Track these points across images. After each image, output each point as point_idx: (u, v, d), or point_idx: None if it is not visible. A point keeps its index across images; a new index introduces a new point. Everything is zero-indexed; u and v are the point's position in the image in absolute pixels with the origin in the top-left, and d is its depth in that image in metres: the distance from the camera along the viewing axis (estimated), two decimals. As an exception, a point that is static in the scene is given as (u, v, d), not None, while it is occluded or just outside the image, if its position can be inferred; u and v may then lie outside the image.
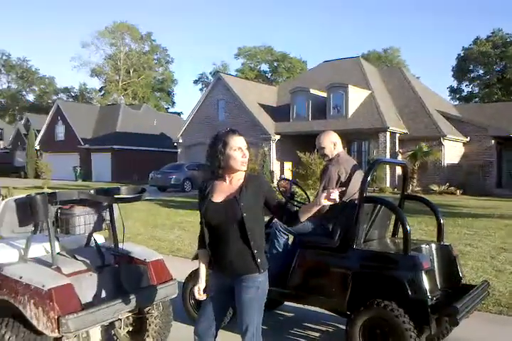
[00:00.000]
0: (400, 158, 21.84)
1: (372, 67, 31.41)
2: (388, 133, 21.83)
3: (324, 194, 2.31)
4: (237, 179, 2.58)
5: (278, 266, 3.87)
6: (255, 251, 2.48)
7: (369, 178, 3.64)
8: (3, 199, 3.45)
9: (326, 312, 4.01)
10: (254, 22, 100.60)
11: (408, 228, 3.41)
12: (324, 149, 3.99)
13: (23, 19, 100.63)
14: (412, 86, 25.40)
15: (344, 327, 3.58)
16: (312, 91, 24.63)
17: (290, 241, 4.14)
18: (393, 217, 3.97)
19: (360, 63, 27.70)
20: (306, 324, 4.39)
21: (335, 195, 2.29)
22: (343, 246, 3.65)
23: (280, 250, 4.03)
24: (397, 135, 22.23)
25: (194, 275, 4.23)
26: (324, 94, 24.34)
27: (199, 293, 2.63)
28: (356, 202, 3.63)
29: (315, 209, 2.41)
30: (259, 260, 2.49)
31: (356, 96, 23.56)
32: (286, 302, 4.45)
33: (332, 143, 3.97)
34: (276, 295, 3.87)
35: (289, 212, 2.54)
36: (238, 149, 2.51)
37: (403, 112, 23.63)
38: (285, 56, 60.70)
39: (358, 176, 3.79)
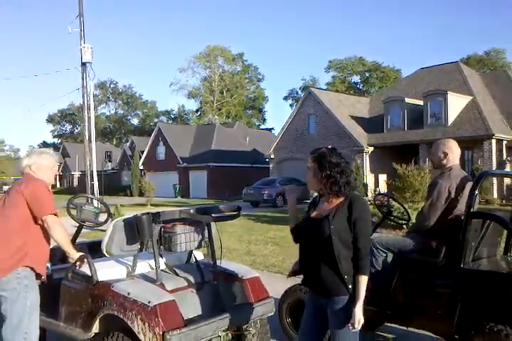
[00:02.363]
0: (508, 167, 20.10)
1: (473, 71, 29.55)
2: (494, 141, 20.25)
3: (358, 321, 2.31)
4: (337, 198, 2.50)
5: (377, 285, 3.71)
6: (345, 276, 2.40)
7: (476, 192, 3.38)
8: (112, 219, 3.73)
9: (431, 334, 3.75)
10: (344, 34, 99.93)
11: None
12: (434, 156, 3.74)
13: (128, 49, 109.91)
14: (519, 89, 23.42)
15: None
16: (407, 100, 23.73)
17: (389, 259, 3.95)
18: (505, 233, 3.64)
19: (459, 68, 26.17)
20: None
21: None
22: (450, 265, 3.41)
23: (379, 268, 3.85)
24: (504, 142, 20.53)
25: (291, 293, 4.20)
26: (421, 103, 23.31)
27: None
28: (463, 217, 3.38)
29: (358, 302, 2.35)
30: (350, 285, 2.40)
31: (456, 103, 22.24)
32: (386, 323, 4.23)
33: (442, 153, 3.67)
34: (376, 316, 3.70)
35: (354, 264, 2.40)
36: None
37: (510, 117, 21.81)
38: (377, 66, 59.24)
39: (468, 190, 3.52)
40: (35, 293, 3.01)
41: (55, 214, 3.04)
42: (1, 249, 2.94)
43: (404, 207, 4.83)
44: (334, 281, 2.41)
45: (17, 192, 3.03)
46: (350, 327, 2.33)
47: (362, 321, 2.33)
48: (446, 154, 3.66)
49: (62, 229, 3.04)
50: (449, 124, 21.90)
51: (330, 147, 2.56)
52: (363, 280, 2.36)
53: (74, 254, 3.14)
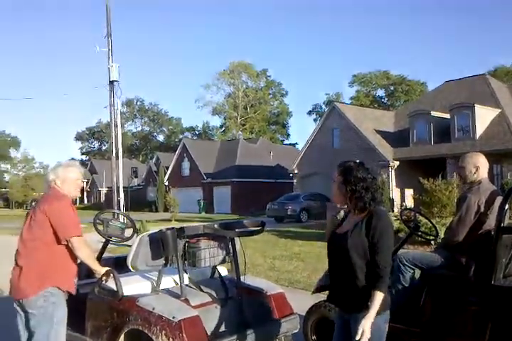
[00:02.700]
0: (540, 180, 19.49)
1: (501, 83, 29.03)
2: (524, 154, 19.74)
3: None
4: (362, 213, 2.46)
5: (404, 302, 3.63)
6: (364, 292, 2.34)
7: (506, 207, 3.29)
8: (138, 234, 3.77)
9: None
10: (368, 48, 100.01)
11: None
12: (463, 170, 3.62)
13: (155, 68, 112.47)
14: (549, 101, 22.90)
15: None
16: (433, 113, 23.44)
17: (417, 276, 3.87)
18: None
19: (486, 80, 25.78)
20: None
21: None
22: (480, 281, 3.31)
23: (406, 285, 3.77)
24: (536, 155, 19.99)
25: (315, 309, 4.14)
26: (447, 116, 22.99)
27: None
28: (493, 232, 3.29)
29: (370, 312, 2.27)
30: (369, 303, 2.32)
31: (484, 116, 21.85)
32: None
33: (474, 167, 3.58)
34: (403, 334, 3.60)
35: (372, 283, 2.32)
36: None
37: (541, 130, 21.27)
38: (403, 79, 58.85)
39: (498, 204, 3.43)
40: (62, 309, 3.05)
41: (79, 235, 3.06)
42: (28, 269, 2.99)
43: (432, 223, 4.73)
44: (355, 297, 2.38)
45: (41, 212, 3.04)
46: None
47: (367, 336, 2.25)
48: (477, 168, 3.58)
49: (87, 250, 3.08)
50: (477, 138, 21.50)
51: (357, 161, 2.53)
52: (378, 297, 2.29)
53: (100, 270, 3.17)
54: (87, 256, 3.09)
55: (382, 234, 2.35)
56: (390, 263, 2.40)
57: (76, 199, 61.39)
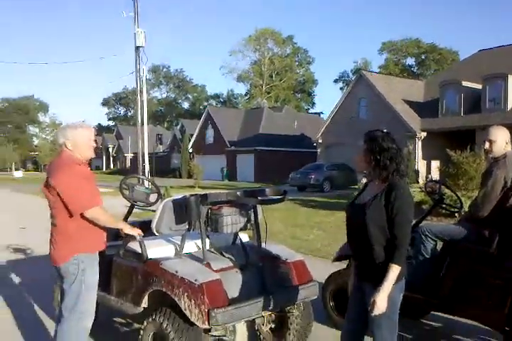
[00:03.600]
0: None
1: (538, 52, 27.66)
2: (558, 127, 19.03)
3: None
4: (378, 186, 2.45)
5: (425, 273, 3.64)
6: (380, 264, 2.36)
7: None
8: (162, 199, 3.84)
9: (480, 325, 3.64)
10: (399, 14, 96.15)
11: None
12: (494, 143, 3.49)
13: (180, 34, 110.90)
14: None
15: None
16: (464, 83, 22.64)
17: (438, 247, 3.85)
18: None
19: (522, 49, 24.63)
20: (455, 336, 4.05)
21: None
22: (502, 255, 3.28)
23: (427, 256, 3.77)
24: None
25: (334, 277, 4.20)
26: (479, 86, 22.19)
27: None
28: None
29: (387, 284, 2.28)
30: (386, 275, 2.31)
31: (517, 87, 21.00)
32: (433, 312, 4.16)
33: (504, 141, 3.49)
34: (423, 304, 3.64)
35: (390, 256, 2.30)
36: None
37: None
38: (434, 47, 56.62)
39: None
40: (92, 275, 3.10)
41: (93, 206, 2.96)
42: (56, 236, 3.06)
43: (456, 195, 4.66)
44: (371, 268, 2.40)
45: (50, 183, 2.98)
46: (373, 313, 2.30)
47: (382, 309, 2.27)
48: (507, 142, 3.49)
49: (105, 216, 3.03)
50: (509, 109, 20.77)
51: (384, 131, 2.49)
52: (394, 270, 2.28)
53: (124, 226, 3.19)
54: (107, 221, 3.07)
55: (401, 206, 2.32)
56: (409, 235, 2.36)
57: (102, 164, 62.73)
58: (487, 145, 3.54)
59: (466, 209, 4.01)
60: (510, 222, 3.28)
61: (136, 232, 3.20)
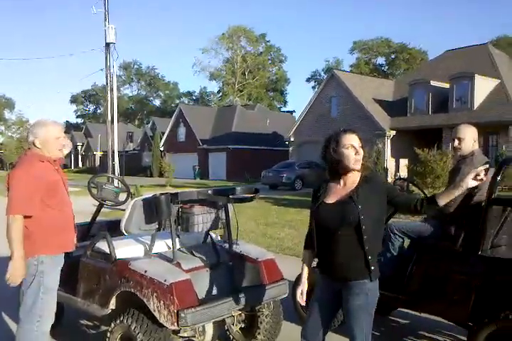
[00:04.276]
0: (535, 153, 19.57)
1: (503, 53, 28.56)
2: (521, 126, 19.69)
3: (472, 174, 2.23)
4: (352, 180, 2.47)
5: (393, 270, 3.70)
6: (369, 257, 2.37)
7: (498, 178, 3.30)
8: (132, 198, 3.78)
9: (444, 321, 3.74)
10: (370, 14, 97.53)
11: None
12: (463, 141, 3.57)
13: (153, 31, 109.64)
14: (550, 72, 22.64)
15: (464, 339, 3.30)
16: (433, 82, 23.16)
17: (406, 245, 3.93)
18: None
19: (488, 50, 25.34)
20: (421, 332, 4.13)
21: (483, 174, 2.21)
22: (467, 251, 3.37)
23: (395, 253, 3.84)
24: (532, 128, 19.95)
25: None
26: (447, 86, 22.74)
27: (301, 296, 2.60)
28: (483, 204, 3.32)
29: (458, 193, 2.32)
30: (372, 267, 2.38)
31: (483, 86, 21.61)
32: (400, 309, 4.24)
33: (472, 139, 3.57)
34: (390, 301, 3.70)
35: (422, 199, 2.40)
36: (350, 147, 2.41)
37: (540, 102, 21.14)
38: (404, 47, 57.70)
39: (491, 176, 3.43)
40: (51, 278, 3.00)
41: (26, 216, 2.80)
42: None
43: (424, 192, 4.75)
44: (357, 265, 2.38)
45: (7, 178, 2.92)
46: None
47: None
48: (475, 140, 3.58)
49: (13, 234, 2.78)
50: (475, 108, 21.37)
51: (341, 129, 2.52)
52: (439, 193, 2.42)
53: (16, 262, 2.81)
54: (13, 238, 2.79)
55: (387, 184, 2.55)
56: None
57: (70, 163, 61.39)
58: (456, 142, 3.61)
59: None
60: (474, 218, 3.36)
61: (19, 275, 2.85)
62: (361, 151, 2.44)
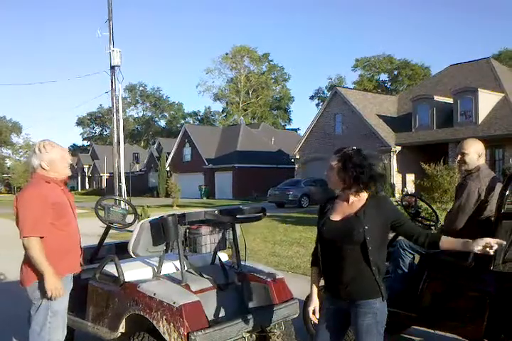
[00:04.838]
0: (543, 165, 19.46)
1: (506, 67, 28.75)
2: (527, 139, 19.64)
3: (484, 241, 2.21)
4: (359, 199, 2.46)
5: (404, 288, 3.65)
6: (377, 277, 2.36)
7: (507, 192, 3.28)
8: (139, 220, 3.78)
9: (459, 338, 3.66)
10: (372, 33, 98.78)
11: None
12: (466, 156, 3.54)
13: (157, 52, 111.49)
14: (554, 84, 22.70)
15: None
16: (436, 98, 23.27)
17: (416, 261, 3.88)
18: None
19: (491, 64, 25.51)
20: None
21: (494, 248, 2.19)
22: (479, 267, 3.32)
23: (406, 270, 3.79)
24: (538, 140, 19.91)
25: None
26: (450, 101, 22.82)
27: (313, 314, 2.58)
28: (493, 218, 3.29)
29: (462, 249, 2.33)
30: (382, 286, 2.38)
31: (487, 101, 21.68)
32: (413, 326, 4.16)
33: (477, 154, 3.54)
34: (403, 319, 3.64)
35: (426, 236, 2.40)
36: None
37: (544, 114, 21.14)
38: (406, 63, 58.25)
39: (499, 191, 3.41)
40: (59, 300, 2.95)
41: (40, 236, 2.80)
42: (25, 259, 2.93)
43: (432, 208, 4.73)
44: (365, 284, 2.36)
45: (14, 201, 2.93)
46: None
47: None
48: (480, 155, 3.54)
49: (35, 255, 2.79)
50: (480, 122, 21.38)
51: (354, 147, 2.49)
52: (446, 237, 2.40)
53: (49, 279, 2.82)
54: (36, 259, 2.80)
55: (393, 207, 2.47)
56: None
57: (77, 185, 61.65)
58: (460, 157, 3.60)
59: (442, 222, 4.06)
60: (485, 234, 3.32)
61: (58, 288, 2.86)
62: (337, 174, 2.45)
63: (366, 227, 2.34)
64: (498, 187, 3.43)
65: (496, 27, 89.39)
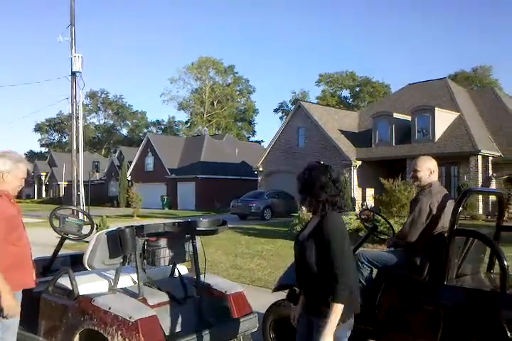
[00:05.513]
0: (493, 182, 20.36)
1: (461, 87, 30.05)
2: (480, 157, 20.51)
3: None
4: (317, 217, 2.42)
5: (362, 301, 3.70)
6: (320, 296, 2.31)
7: (460, 209, 3.40)
8: (97, 231, 3.68)
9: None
10: (335, 48, 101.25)
11: (506, 263, 3.11)
12: (418, 172, 3.70)
13: (120, 60, 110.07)
14: (505, 106, 23.84)
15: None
16: (396, 115, 24.01)
17: (374, 274, 3.95)
18: (488, 249, 3.66)
19: (447, 84, 26.62)
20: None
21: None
22: (433, 281, 3.41)
23: (364, 283, 3.85)
24: (490, 158, 20.81)
25: (275, 308, 4.16)
26: (409, 118, 23.61)
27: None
28: (446, 234, 3.40)
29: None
30: (325, 306, 2.27)
31: (444, 119, 22.54)
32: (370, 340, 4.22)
33: (428, 170, 3.69)
34: (360, 333, 3.67)
35: (323, 289, 2.27)
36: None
37: (497, 134, 22.17)
38: (368, 80, 60.09)
39: (450, 207, 3.54)
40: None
41: None
42: None
43: (388, 222, 4.84)
44: (315, 300, 2.36)
45: None
46: None
47: None
48: (431, 171, 3.69)
49: None
50: (436, 140, 22.17)
51: (321, 162, 2.45)
52: (336, 309, 2.18)
53: (6, 298, 2.71)
54: None
55: (331, 238, 2.27)
56: (345, 269, 2.25)
57: (33, 193, 59.49)
58: (412, 174, 3.76)
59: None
60: (438, 248, 3.43)
61: (14, 305, 2.76)
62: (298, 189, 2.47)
63: (305, 246, 2.40)
64: (450, 204, 3.57)
65: (453, 49, 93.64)
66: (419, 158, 3.82)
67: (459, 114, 23.02)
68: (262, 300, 4.74)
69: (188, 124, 66.67)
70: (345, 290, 2.21)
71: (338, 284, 2.20)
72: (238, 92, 67.33)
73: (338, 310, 2.20)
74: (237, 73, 67.12)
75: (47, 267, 3.83)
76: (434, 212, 3.54)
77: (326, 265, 2.28)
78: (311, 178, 2.39)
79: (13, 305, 2.75)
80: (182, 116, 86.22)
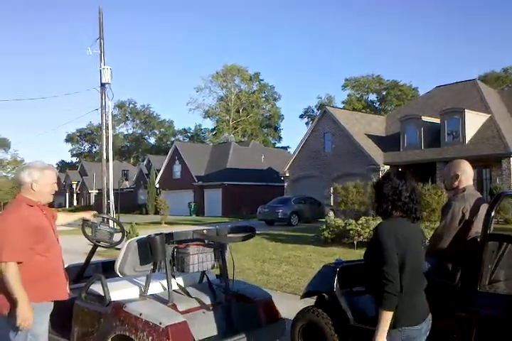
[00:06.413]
0: (528, 185, 19.72)
1: (491, 88, 29.36)
2: (512, 159, 19.94)
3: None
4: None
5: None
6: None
7: (493, 213, 3.32)
8: (127, 238, 3.76)
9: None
10: (361, 52, 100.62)
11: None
12: (455, 177, 3.61)
13: (147, 70, 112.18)
14: (538, 106, 23.19)
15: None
16: (424, 118, 23.63)
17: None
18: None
19: (477, 85, 26.05)
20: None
21: None
22: (465, 287, 3.34)
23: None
24: (523, 160, 20.22)
25: (303, 314, 4.14)
26: (438, 121, 23.19)
27: None
28: (479, 239, 3.33)
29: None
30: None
31: (474, 121, 22.05)
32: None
33: (454, 175, 3.60)
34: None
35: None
36: None
37: (529, 135, 21.54)
38: (395, 84, 59.31)
39: (484, 211, 3.44)
40: (38, 324, 2.84)
41: (18, 262, 2.72)
42: (2, 283, 2.77)
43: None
44: (376, 305, 2.37)
45: None
46: None
47: None
48: (457, 176, 3.59)
49: (11, 280, 2.70)
50: (467, 142, 21.70)
51: (388, 172, 2.61)
52: (382, 316, 2.24)
53: (22, 307, 2.72)
54: (12, 285, 2.70)
55: (374, 245, 2.36)
56: (388, 277, 2.26)
57: (65, 201, 60.95)
58: (448, 178, 3.65)
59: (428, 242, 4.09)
60: (471, 254, 3.36)
61: (30, 317, 2.75)
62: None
63: (367, 251, 2.51)
64: (483, 208, 3.47)
65: (484, 50, 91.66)
66: (453, 161, 3.73)
67: (489, 115, 22.49)
68: (290, 306, 4.72)
69: (214, 132, 67.21)
70: (389, 299, 2.23)
71: (385, 291, 2.24)
72: (263, 99, 67.54)
73: (385, 316, 2.24)
74: (262, 80, 67.46)
75: (80, 274, 3.93)
76: (467, 217, 3.45)
77: (377, 271, 2.31)
78: (387, 186, 2.43)
79: (28, 317, 2.73)
80: (208, 124, 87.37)
